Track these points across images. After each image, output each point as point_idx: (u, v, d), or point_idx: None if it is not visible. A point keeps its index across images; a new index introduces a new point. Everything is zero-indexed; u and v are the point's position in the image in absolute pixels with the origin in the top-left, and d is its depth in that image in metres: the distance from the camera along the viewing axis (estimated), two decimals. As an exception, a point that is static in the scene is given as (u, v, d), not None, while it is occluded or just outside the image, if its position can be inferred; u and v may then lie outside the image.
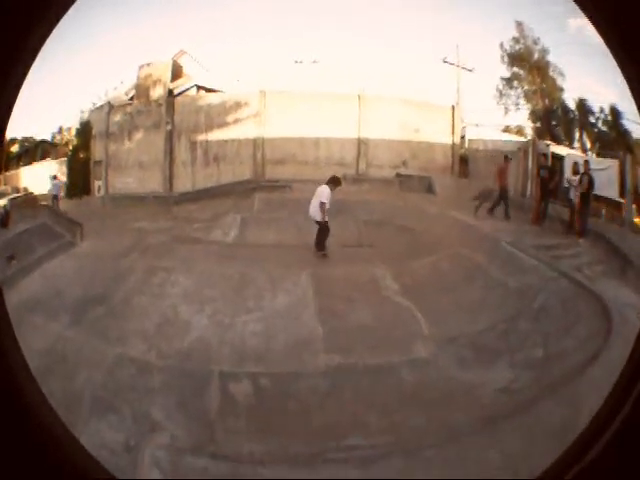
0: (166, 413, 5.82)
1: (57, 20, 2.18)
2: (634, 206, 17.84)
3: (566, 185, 17.19)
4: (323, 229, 14.81)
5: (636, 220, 17.71)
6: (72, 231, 14.55)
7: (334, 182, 15.44)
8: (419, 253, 11.63)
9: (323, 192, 15.00)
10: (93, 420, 6.11)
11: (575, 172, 15.98)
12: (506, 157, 18.37)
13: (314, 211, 14.98)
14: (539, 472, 4.52)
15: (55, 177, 21.30)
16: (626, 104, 22.95)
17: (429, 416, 6.44)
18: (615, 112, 24.09)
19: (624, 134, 23.16)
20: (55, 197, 20.41)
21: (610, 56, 2.26)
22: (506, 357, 7.99)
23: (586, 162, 16.51)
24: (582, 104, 25.30)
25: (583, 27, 26.61)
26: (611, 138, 23.53)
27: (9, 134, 23.76)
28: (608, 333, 7.58)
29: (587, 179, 15.48)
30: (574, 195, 15.62)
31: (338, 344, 8.04)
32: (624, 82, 2.28)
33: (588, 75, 31.30)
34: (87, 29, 14.64)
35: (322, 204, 14.75)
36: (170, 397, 6.52)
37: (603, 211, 17.73)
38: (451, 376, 7.49)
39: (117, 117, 22.28)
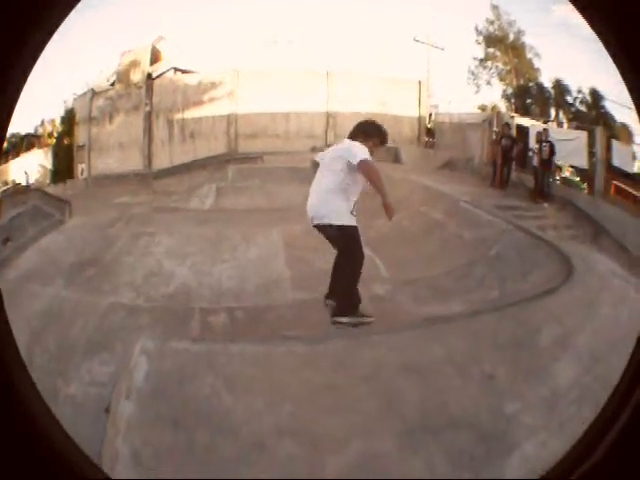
0: (154, 341, 6.58)
1: (59, 22, 2.54)
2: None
3: (530, 154, 18.18)
4: (350, 250, 7.11)
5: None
6: (61, 209, 15.31)
7: (370, 135, 7.29)
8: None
9: (349, 150, 6.91)
10: (86, 361, 6.91)
11: (538, 141, 16.90)
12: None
13: (320, 203, 7.17)
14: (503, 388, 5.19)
15: (25, 172, 22.46)
16: (610, 86, 23.30)
17: (381, 327, 7.22)
18: (596, 94, 24.49)
19: (605, 115, 23.61)
20: (27, 187, 21.55)
21: (592, 39, 2.76)
22: (462, 296, 8.64)
23: (545, 130, 17.52)
24: (559, 83, 25.75)
25: (563, 9, 26.80)
26: (590, 117, 23.97)
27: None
28: (568, 276, 7.99)
29: (548, 146, 16.42)
30: (537, 162, 16.54)
31: (304, 284, 8.83)
32: (608, 65, 2.78)
33: (566, 56, 31.44)
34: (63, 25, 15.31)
35: (339, 175, 6.91)
36: (156, 330, 7.35)
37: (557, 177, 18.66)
38: (407, 310, 8.19)
39: (99, 102, 22.98)
